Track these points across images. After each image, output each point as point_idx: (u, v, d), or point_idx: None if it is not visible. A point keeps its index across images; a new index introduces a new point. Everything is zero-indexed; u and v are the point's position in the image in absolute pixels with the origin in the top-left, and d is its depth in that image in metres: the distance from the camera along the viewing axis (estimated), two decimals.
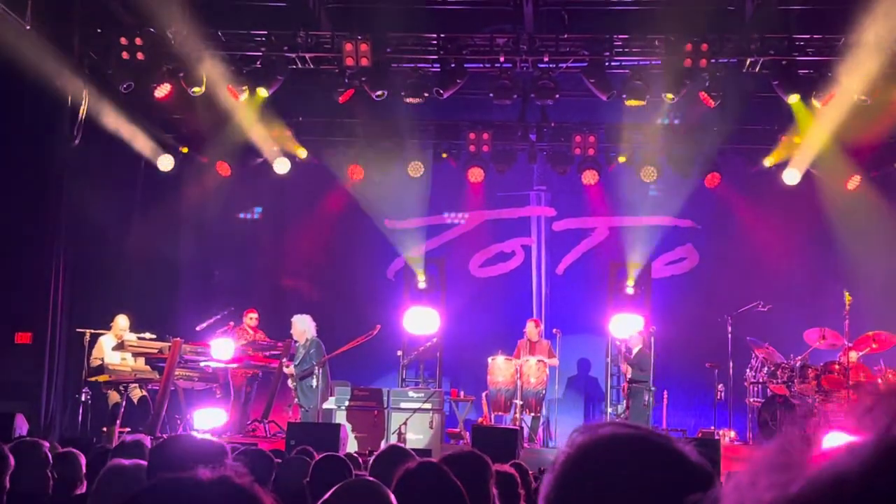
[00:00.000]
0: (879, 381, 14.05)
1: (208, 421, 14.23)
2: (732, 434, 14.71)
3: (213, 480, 1.53)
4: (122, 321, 14.36)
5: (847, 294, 14.51)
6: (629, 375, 14.52)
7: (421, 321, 16.37)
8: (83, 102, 14.72)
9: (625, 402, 14.67)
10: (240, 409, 14.99)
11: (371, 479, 3.34)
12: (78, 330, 14.24)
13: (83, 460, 5.94)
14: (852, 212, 16.19)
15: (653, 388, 15.27)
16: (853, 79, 14.00)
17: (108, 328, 14.31)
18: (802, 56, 14.62)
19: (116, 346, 13.89)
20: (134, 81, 14.82)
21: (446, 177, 17.56)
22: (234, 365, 14.63)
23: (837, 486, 0.78)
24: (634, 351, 14.68)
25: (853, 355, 14.11)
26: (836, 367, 14.13)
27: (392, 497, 3.04)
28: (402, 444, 8.51)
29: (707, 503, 1.35)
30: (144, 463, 4.50)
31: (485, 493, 3.81)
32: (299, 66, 15.29)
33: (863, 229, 16.11)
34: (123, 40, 14.54)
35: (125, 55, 14.56)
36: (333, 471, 5.12)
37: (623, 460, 1.50)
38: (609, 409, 15.80)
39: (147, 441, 6.14)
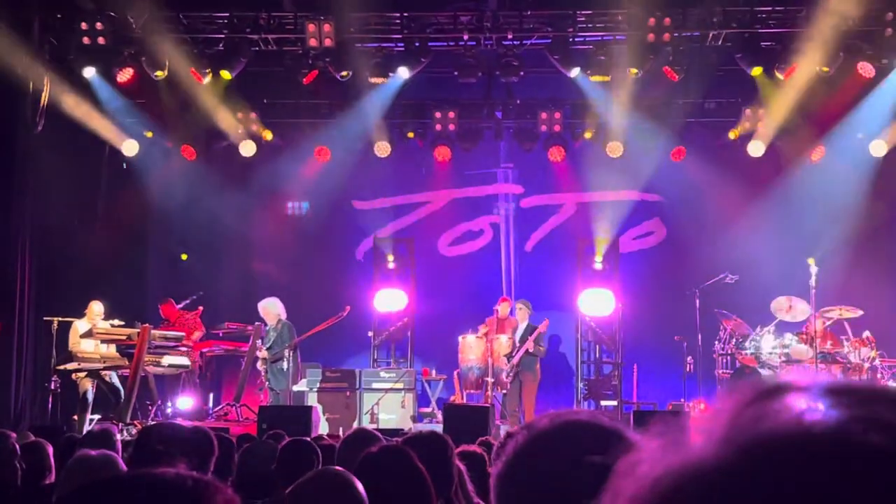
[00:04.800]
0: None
1: (182, 406, 14.20)
2: (702, 406, 14.81)
3: (169, 478, 1.52)
4: (96, 307, 14.24)
5: (813, 264, 14.62)
6: (531, 350, 14.65)
7: (390, 302, 16.37)
8: (45, 89, 14.60)
9: (512, 374, 14.69)
10: (204, 393, 14.94)
11: (340, 469, 3.36)
12: (45, 319, 14.11)
13: (50, 450, 5.94)
14: (817, 183, 16.29)
15: (621, 363, 15.39)
16: (815, 50, 14.09)
17: (76, 316, 14.21)
18: (765, 28, 14.71)
19: (85, 334, 13.76)
20: (96, 67, 14.71)
21: (413, 156, 17.53)
22: (204, 350, 14.59)
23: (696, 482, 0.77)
24: (536, 329, 14.86)
25: (819, 324, 14.23)
26: (803, 336, 14.27)
27: (359, 486, 3.05)
28: (369, 427, 8.53)
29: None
30: (111, 453, 4.51)
31: (447, 472, 3.84)
32: (262, 47, 15.22)
33: (827, 200, 16.24)
34: (84, 25, 14.45)
35: (86, 40, 14.47)
36: (300, 456, 5.14)
37: (575, 447, 1.52)
38: (580, 384, 15.90)
39: (115, 430, 6.13)
